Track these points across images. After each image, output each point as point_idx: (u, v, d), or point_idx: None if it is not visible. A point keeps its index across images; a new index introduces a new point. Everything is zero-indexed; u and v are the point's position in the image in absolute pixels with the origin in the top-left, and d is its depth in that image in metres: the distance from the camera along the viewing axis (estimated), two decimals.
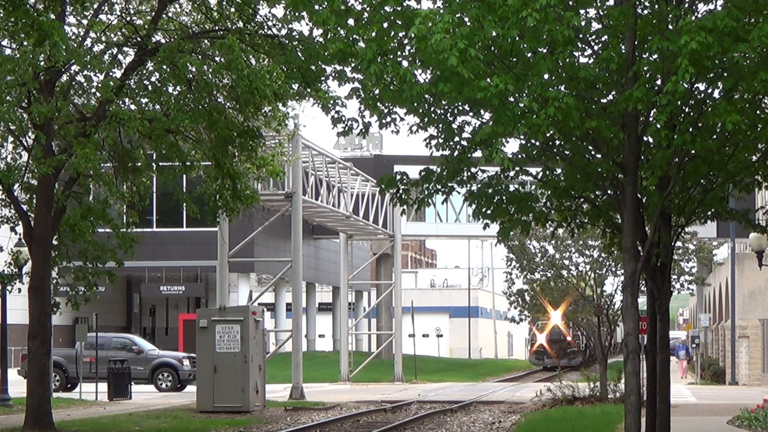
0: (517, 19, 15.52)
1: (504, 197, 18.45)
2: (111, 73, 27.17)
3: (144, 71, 27.91)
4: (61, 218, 28.09)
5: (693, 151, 17.38)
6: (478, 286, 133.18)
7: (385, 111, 17.55)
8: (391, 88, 16.91)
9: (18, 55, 25.64)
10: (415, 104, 17.25)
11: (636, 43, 16.86)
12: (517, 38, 16.04)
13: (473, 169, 18.25)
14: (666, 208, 18.43)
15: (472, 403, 41.61)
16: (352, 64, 17.33)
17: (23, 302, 30.42)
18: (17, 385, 38.86)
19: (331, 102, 22.55)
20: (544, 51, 16.29)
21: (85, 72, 27.34)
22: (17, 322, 50.34)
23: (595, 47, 17.17)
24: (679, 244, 36.41)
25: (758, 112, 17.20)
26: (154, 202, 62.91)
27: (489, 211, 18.50)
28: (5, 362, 37.61)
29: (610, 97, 17.22)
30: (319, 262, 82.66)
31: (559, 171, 18.69)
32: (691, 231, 42.70)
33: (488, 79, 15.90)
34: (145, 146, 29.61)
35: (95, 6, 27.77)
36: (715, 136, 17.41)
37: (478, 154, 17.51)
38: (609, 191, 18.18)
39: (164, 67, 26.96)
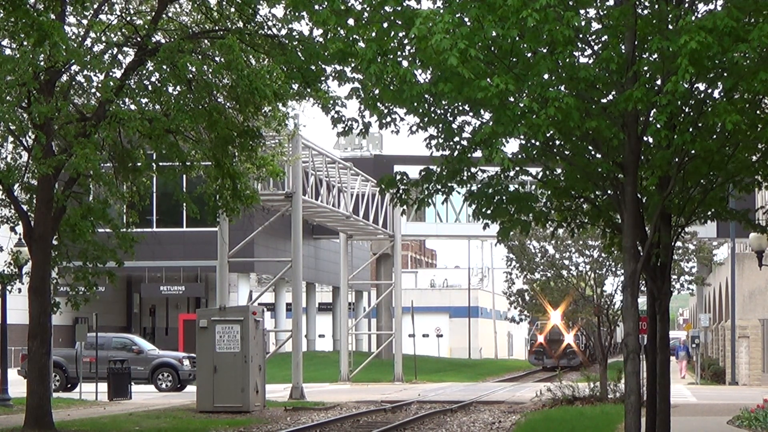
0: (517, 19, 15.52)
1: (504, 197, 18.44)
2: (111, 73, 27.17)
3: (144, 71, 27.91)
4: (61, 218, 28.09)
5: (693, 151, 17.39)
6: (478, 286, 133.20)
7: (385, 111, 17.55)
8: (391, 88, 16.91)
9: (18, 55, 25.62)
10: (415, 104, 17.24)
11: (636, 43, 16.86)
12: (517, 38, 16.04)
13: (473, 169, 18.24)
14: (666, 208, 18.43)
15: (472, 403, 41.60)
16: (352, 64, 17.33)
17: (23, 302, 30.42)
18: (17, 385, 38.86)
19: (331, 102, 22.56)
20: (544, 51, 16.29)
21: (85, 72, 27.34)
22: (17, 322, 50.35)
23: (595, 47, 17.16)
24: (679, 244, 36.43)
25: (758, 112, 17.20)
26: (154, 202, 62.91)
27: (489, 211, 18.50)
28: (5, 362, 37.61)
29: (610, 97, 17.22)
30: (319, 262, 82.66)
31: (559, 171, 18.69)
32: (691, 231, 42.74)
33: (488, 79, 15.90)
34: (145, 146, 29.61)
35: (95, 6, 27.76)
36: (715, 136, 17.41)
37: (478, 154, 17.52)
38: (609, 191, 18.18)
39: (164, 67, 26.95)
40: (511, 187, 18.49)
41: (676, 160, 17.45)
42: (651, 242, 17.75)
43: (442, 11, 15.78)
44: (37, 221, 28.19)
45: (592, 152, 18.04)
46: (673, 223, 19.28)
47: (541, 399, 39.04)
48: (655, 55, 16.66)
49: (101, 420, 31.77)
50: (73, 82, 28.30)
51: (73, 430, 28.93)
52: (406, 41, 16.65)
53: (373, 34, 16.76)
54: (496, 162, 16.54)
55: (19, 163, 28.39)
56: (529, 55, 16.53)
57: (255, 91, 26.00)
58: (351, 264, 64.28)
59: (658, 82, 16.74)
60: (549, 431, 28.49)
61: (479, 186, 18.45)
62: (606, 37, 16.84)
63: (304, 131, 48.67)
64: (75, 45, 26.17)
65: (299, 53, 21.25)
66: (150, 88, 27.64)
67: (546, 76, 16.45)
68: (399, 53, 16.86)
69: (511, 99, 16.37)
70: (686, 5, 17.29)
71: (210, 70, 27.55)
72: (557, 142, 17.83)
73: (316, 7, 17.02)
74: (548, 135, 17.10)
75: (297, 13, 17.53)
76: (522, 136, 16.92)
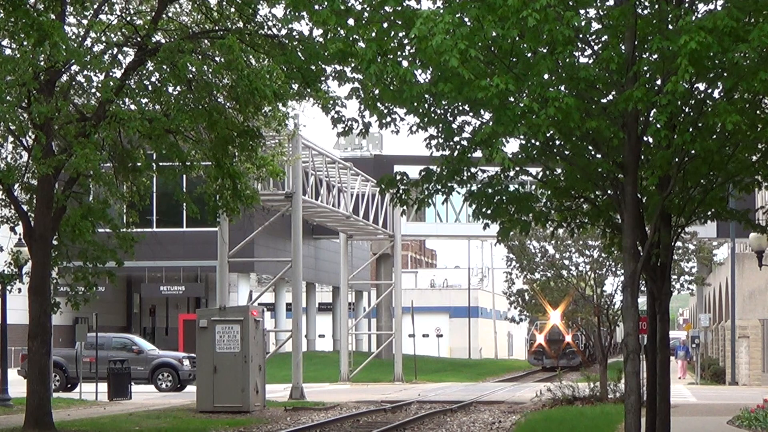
0: (517, 19, 15.52)
1: (504, 197, 18.45)
2: (111, 73, 27.17)
3: (144, 71, 27.92)
4: (61, 218, 28.09)
5: (693, 151, 17.39)
6: (478, 286, 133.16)
7: (385, 111, 17.55)
8: (391, 88, 16.92)
9: (18, 55, 25.63)
10: (415, 104, 17.25)
11: (636, 43, 16.86)
12: (517, 38, 16.04)
13: (473, 169, 18.25)
14: (666, 208, 18.43)
15: (472, 403, 41.60)
16: (352, 64, 17.33)
17: (23, 302, 30.42)
18: (17, 385, 38.86)
19: (331, 102, 22.55)
20: (544, 51, 16.29)
21: (85, 72, 27.34)
22: (17, 322, 50.30)
23: (595, 47, 17.17)
24: (679, 244, 36.43)
25: (758, 112, 17.21)
26: (154, 202, 62.85)
27: (489, 211, 18.50)
28: (5, 362, 37.61)
29: (610, 97, 17.23)
30: (319, 262, 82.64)
31: (559, 171, 18.70)
32: (691, 231, 42.70)
33: (488, 79, 15.90)
34: (145, 146, 29.62)
35: (95, 6, 27.77)
36: (715, 136, 17.41)
37: (478, 154, 17.53)
38: (609, 191, 18.18)
39: (164, 67, 26.97)
40: (511, 187, 18.49)
41: (676, 160, 17.45)
42: (651, 242, 17.75)
43: (442, 11, 15.78)
44: (37, 221, 28.19)
45: (592, 152, 18.04)
46: (673, 223, 19.28)
47: (541, 399, 39.04)
48: (655, 55, 16.66)
49: (101, 420, 31.78)
50: (73, 82, 28.31)
51: (73, 430, 28.93)
52: (406, 41, 16.65)
53: (373, 34, 16.76)
54: (496, 162, 16.55)
55: (19, 163, 28.40)
56: (529, 55, 16.53)
57: (255, 91, 25.99)
58: (351, 264, 64.28)
59: (658, 82, 16.74)
60: (549, 431, 28.49)
61: (479, 186, 18.45)
62: (606, 37, 16.85)
63: (304, 131, 48.69)
64: (75, 45, 26.16)
65: (299, 53, 21.23)
66: (150, 88, 27.65)
67: (546, 76, 16.46)
68: (399, 53, 16.86)
69: (511, 99, 16.37)
70: (686, 5, 17.29)
71: (210, 70, 27.56)
72: (557, 142, 17.84)
73: (316, 7, 17.02)
74: (548, 135, 17.11)
75: (297, 13, 17.53)
76: (522, 136, 16.93)
